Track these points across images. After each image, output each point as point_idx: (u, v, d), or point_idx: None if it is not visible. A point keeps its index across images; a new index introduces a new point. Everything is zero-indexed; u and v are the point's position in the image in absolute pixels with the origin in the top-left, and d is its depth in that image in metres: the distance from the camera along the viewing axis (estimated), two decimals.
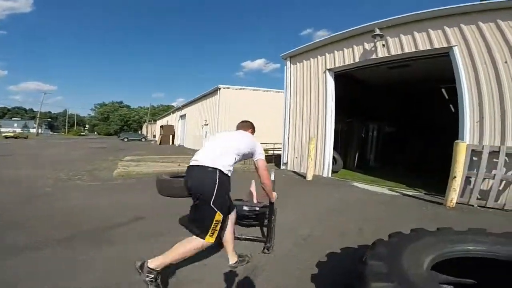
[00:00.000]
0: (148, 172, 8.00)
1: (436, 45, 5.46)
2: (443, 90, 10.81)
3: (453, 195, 4.34)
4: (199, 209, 1.95)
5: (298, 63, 8.59)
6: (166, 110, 42.62)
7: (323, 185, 6.37)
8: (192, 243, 1.87)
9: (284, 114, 8.86)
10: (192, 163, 2.04)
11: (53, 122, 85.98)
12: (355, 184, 6.39)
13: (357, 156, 9.72)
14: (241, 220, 3.12)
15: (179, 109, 26.99)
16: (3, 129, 53.89)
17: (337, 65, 7.41)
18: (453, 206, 4.33)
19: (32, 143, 23.37)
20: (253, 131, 2.65)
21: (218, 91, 15.58)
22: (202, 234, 1.87)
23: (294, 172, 8.20)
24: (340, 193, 5.45)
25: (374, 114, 10.57)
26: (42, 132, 63.06)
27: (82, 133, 65.32)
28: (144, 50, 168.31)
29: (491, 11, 4.78)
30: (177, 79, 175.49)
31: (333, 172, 7.71)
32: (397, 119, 11.84)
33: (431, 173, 8.14)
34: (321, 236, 3.18)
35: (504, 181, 4.43)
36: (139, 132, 57.37)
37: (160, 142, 27.35)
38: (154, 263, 1.75)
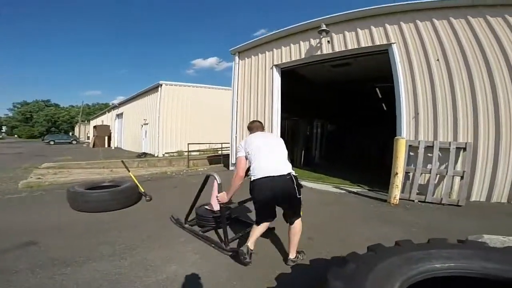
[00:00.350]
0: (66, 181, 6.61)
1: (377, 42, 5.54)
2: (377, 89, 11.65)
3: (396, 192, 4.36)
4: (293, 203, 2.40)
5: (246, 59, 8.15)
6: (104, 109, 37.99)
7: None
8: (300, 224, 2.47)
9: (232, 111, 8.31)
10: (271, 173, 2.29)
11: None
12: (302, 182, 6.16)
13: (303, 153, 9.76)
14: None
15: (115, 107, 24.09)
16: None
17: (284, 61, 7.18)
18: (397, 202, 4.35)
19: None
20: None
21: (160, 88, 14.11)
22: (298, 215, 2.45)
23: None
24: None
25: (319, 112, 10.81)
26: None
27: None
28: (80, 47, 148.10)
29: (428, 10, 4.99)
30: (118, 77, 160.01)
31: None
32: (339, 117, 12.40)
33: (369, 167, 8.60)
34: (268, 252, 2.70)
35: (439, 175, 4.64)
36: (70, 134, 50.27)
37: (94, 145, 24.12)
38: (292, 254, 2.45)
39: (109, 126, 25.63)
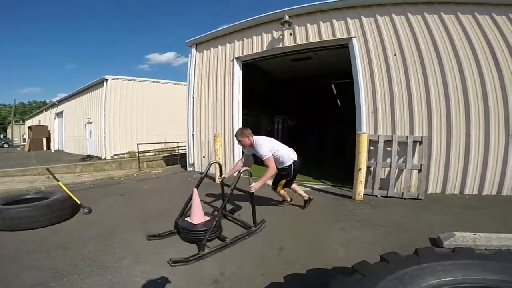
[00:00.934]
0: None
1: (338, 36, 5.45)
2: (332, 85, 11.99)
3: (360, 188, 4.27)
4: (295, 175, 3.74)
5: (205, 51, 7.51)
6: (42, 107, 33.19)
7: None
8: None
9: (187, 107, 7.62)
10: (295, 157, 3.69)
11: None
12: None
13: None
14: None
15: (54, 105, 21.10)
16: None
17: (245, 53, 6.75)
18: (361, 199, 4.26)
19: None
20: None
21: (105, 83, 12.49)
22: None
23: (207, 176, 7.14)
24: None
25: (279, 108, 10.70)
26: None
27: None
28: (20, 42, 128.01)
29: (388, 5, 5.01)
30: (64, 72, 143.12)
31: None
32: (299, 112, 12.49)
33: (329, 162, 8.71)
34: (232, 271, 2.28)
35: (398, 169, 4.69)
36: (2, 136, 43.38)
37: (30, 148, 20.95)
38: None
39: (47, 126, 22.49)
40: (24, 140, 33.03)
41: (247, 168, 3.18)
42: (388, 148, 4.76)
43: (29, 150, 20.63)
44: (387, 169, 4.78)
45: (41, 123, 24.00)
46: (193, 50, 7.67)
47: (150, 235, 2.95)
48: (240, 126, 6.94)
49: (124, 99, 13.29)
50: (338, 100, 13.31)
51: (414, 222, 3.39)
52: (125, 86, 13.37)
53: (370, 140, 4.75)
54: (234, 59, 6.92)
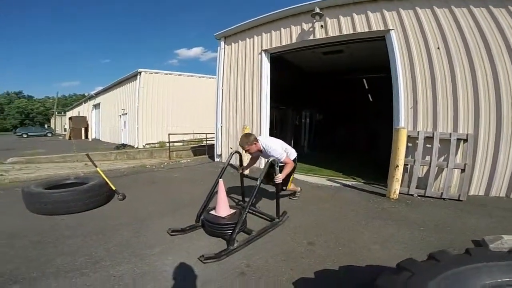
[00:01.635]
0: (30, 178, 5.87)
1: (374, 28, 5.20)
2: (364, 80, 11.47)
3: (396, 186, 4.06)
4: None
5: (233, 44, 7.56)
6: (80, 99, 35.81)
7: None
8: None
9: (216, 99, 7.73)
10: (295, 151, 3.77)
11: None
12: (293, 175, 5.80)
13: (292, 143, 9.40)
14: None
15: (92, 97, 22.59)
16: None
17: (273, 45, 6.68)
18: (397, 197, 4.05)
19: None
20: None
21: (139, 76, 13.10)
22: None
23: (230, 165, 7.23)
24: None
25: (308, 102, 10.48)
26: None
27: None
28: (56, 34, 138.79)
29: None
30: (100, 67, 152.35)
31: None
32: (327, 107, 12.14)
33: (360, 158, 8.42)
34: (259, 264, 2.25)
35: (437, 167, 4.39)
36: (46, 126, 47.40)
37: (70, 137, 22.68)
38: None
39: (85, 117, 24.18)
40: (65, 129, 35.76)
41: (274, 158, 3.07)
42: (427, 145, 4.47)
43: (69, 139, 22.35)
44: (425, 168, 4.49)
45: (80, 114, 25.82)
46: (222, 43, 7.74)
47: (174, 230, 2.81)
48: (268, 118, 6.92)
49: (156, 92, 13.83)
50: (369, 95, 12.75)
51: (455, 223, 3.16)
52: (156, 79, 13.90)
53: (408, 136, 4.48)
54: (262, 52, 6.87)
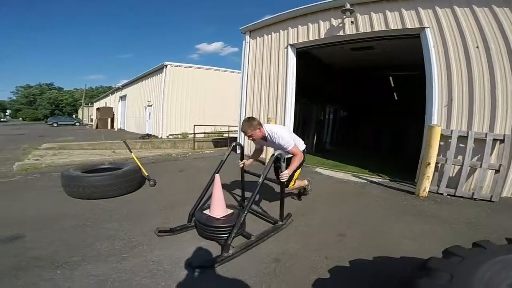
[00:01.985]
0: (65, 163, 6.30)
1: (408, 26, 5.08)
2: (390, 78, 11.16)
3: (426, 184, 3.99)
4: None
5: (258, 38, 7.64)
6: (107, 91, 37.54)
7: None
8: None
9: (241, 92, 7.86)
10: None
11: None
12: (318, 170, 5.84)
13: (315, 139, 9.37)
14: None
15: (118, 89, 23.56)
16: None
17: (300, 40, 6.68)
18: (426, 195, 3.98)
19: None
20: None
21: (164, 69, 13.56)
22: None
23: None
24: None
25: (332, 97, 10.36)
26: None
27: (2, 119, 52.58)
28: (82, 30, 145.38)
29: None
30: (122, 61, 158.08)
31: None
32: (352, 103, 11.93)
33: (385, 155, 8.27)
34: (293, 254, 2.29)
35: (470, 167, 4.25)
36: (74, 116, 50.00)
37: (97, 126, 23.85)
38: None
39: (112, 108, 25.27)
40: (91, 120, 37.61)
41: (281, 152, 2.60)
42: (461, 145, 4.34)
43: (96, 128, 23.49)
44: (456, 167, 4.37)
45: (107, 105, 27.00)
46: (247, 37, 7.83)
47: (161, 230, 2.55)
48: (292, 112, 6.93)
49: (180, 84, 14.26)
50: (394, 94, 12.40)
51: (487, 222, 3.08)
52: (181, 72, 14.30)
53: (440, 134, 4.37)
54: (288, 46, 6.89)
